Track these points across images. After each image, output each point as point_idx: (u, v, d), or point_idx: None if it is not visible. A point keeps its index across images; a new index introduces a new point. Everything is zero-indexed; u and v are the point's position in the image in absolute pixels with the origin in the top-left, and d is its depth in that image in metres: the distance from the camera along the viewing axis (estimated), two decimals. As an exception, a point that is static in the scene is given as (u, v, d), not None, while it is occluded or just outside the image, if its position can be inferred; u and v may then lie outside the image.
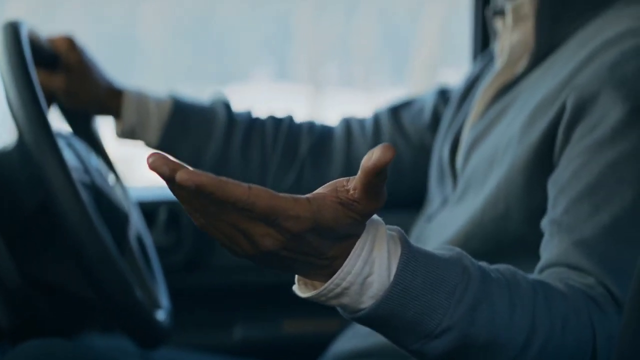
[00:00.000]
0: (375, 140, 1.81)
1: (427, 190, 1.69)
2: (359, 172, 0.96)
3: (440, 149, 1.65)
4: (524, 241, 1.37)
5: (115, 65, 4.78)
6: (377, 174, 0.95)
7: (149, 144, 1.75)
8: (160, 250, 1.73)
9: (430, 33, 4.67)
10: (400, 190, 1.82)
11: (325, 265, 1.01)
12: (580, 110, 1.30)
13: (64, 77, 1.66)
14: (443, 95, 1.82)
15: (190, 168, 0.93)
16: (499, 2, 1.55)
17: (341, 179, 0.99)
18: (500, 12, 1.55)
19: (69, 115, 1.69)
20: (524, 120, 1.37)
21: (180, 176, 0.92)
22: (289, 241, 0.97)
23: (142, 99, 1.74)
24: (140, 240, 1.57)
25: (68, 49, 1.68)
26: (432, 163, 1.69)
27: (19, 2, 4.42)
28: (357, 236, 1.01)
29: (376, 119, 1.84)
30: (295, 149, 1.80)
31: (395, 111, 1.83)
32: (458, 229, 1.44)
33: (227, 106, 1.80)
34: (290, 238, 0.96)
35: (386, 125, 1.82)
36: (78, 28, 4.98)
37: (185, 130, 1.75)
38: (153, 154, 0.94)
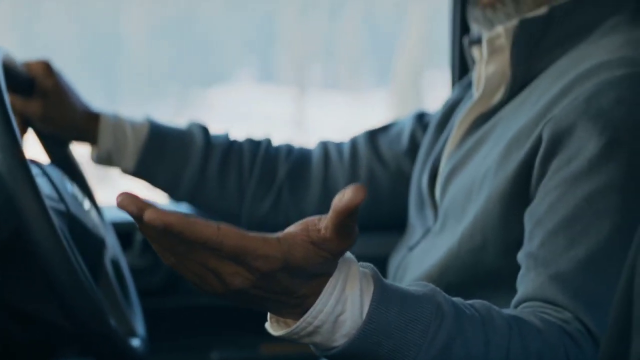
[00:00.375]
0: (353, 165, 1.81)
1: (407, 215, 1.69)
2: (330, 212, 0.95)
3: (419, 178, 1.64)
4: (500, 273, 1.36)
5: (99, 64, 4.76)
6: (349, 214, 0.94)
7: (125, 170, 1.74)
8: (137, 273, 1.72)
9: (414, 35, 4.67)
10: (379, 215, 1.81)
11: (297, 304, 1.00)
12: (557, 143, 1.30)
13: (40, 102, 1.65)
14: (421, 120, 1.81)
15: (159, 207, 0.93)
16: (476, 31, 1.54)
17: (312, 217, 0.99)
18: (477, 41, 1.54)
19: (45, 141, 1.67)
20: (501, 152, 1.37)
21: (148, 216, 0.91)
22: (258, 280, 0.96)
23: (118, 124, 1.72)
24: (116, 265, 1.56)
25: (44, 73, 1.66)
26: (411, 191, 1.68)
27: (2, 2, 4.41)
28: (329, 274, 1.00)
29: (353, 144, 1.84)
30: (273, 173, 1.79)
31: (373, 136, 1.83)
32: (436, 260, 1.44)
33: (204, 130, 1.79)
34: (260, 277, 0.96)
35: (363, 150, 1.81)
36: (61, 27, 4.97)
37: (162, 155, 1.74)
38: (122, 192, 0.93)
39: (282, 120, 4.86)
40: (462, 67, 2.06)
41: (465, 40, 1.58)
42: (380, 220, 1.81)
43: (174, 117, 4.88)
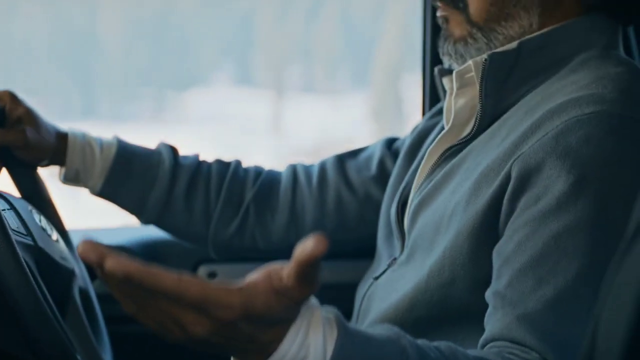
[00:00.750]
0: (321, 191, 1.80)
1: (376, 243, 1.68)
2: (292, 262, 0.95)
3: (388, 207, 1.64)
4: (470, 309, 1.36)
5: (75, 66, 4.74)
6: (311, 264, 0.94)
7: (92, 190, 1.73)
8: (106, 299, 1.71)
9: (392, 37, 4.67)
10: (348, 242, 1.81)
11: (260, 350, 1.00)
12: (525, 180, 1.29)
13: (18, 130, 1.64)
14: (390, 147, 1.81)
15: (120, 256, 0.92)
16: (446, 62, 1.53)
17: (275, 265, 0.98)
18: (449, 72, 1.54)
19: (15, 174, 1.65)
20: (470, 187, 1.36)
21: (109, 265, 0.91)
22: (220, 329, 0.96)
23: (86, 143, 1.72)
24: (84, 294, 1.55)
25: (12, 101, 1.65)
26: (380, 219, 1.68)
27: (-23, 2, 4.38)
28: (292, 321, 1.00)
29: (322, 168, 1.83)
30: (240, 196, 1.79)
31: (341, 162, 1.82)
32: (404, 293, 1.43)
33: (173, 151, 1.78)
34: (222, 326, 0.96)
35: (332, 175, 1.81)
36: (37, 27, 4.93)
37: (128, 176, 1.73)
38: (83, 240, 0.93)
39: (259, 123, 4.85)
40: (433, 95, 2.05)
41: (436, 71, 1.58)
42: (349, 247, 1.81)
43: (150, 119, 4.86)
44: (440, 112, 1.68)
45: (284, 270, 0.96)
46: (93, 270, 1.69)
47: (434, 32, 2.03)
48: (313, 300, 1.02)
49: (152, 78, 4.62)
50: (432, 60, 2.05)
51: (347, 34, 4.82)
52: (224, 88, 4.85)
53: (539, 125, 1.33)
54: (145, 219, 1.76)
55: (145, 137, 4.91)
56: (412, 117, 5.23)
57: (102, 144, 1.73)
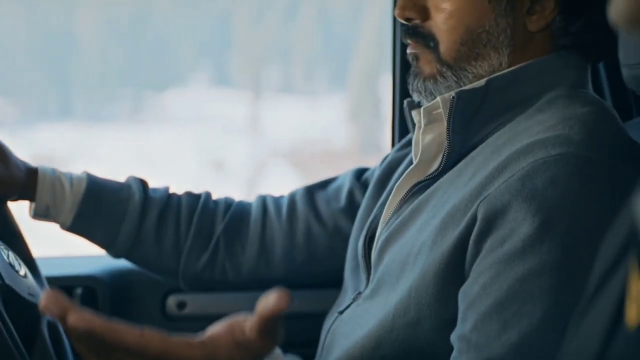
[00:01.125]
0: (290, 223, 1.80)
1: (344, 274, 1.69)
2: (255, 316, 0.96)
3: (356, 240, 1.64)
4: (435, 349, 1.36)
5: (53, 66, 4.72)
6: (273, 319, 0.95)
7: (62, 226, 1.73)
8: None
9: (369, 39, 4.67)
10: (317, 273, 1.81)
11: None
12: (491, 223, 1.29)
13: None
14: (359, 178, 1.81)
15: (82, 311, 0.93)
16: (416, 98, 1.53)
17: (238, 318, 0.99)
18: (418, 105, 1.54)
19: None
20: (437, 227, 1.36)
21: (71, 320, 0.92)
22: None
23: (56, 178, 1.71)
24: (53, 328, 1.54)
25: None
26: (348, 252, 1.68)
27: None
28: None
29: (292, 200, 1.83)
30: (210, 229, 1.79)
31: (311, 193, 1.82)
32: (369, 330, 1.44)
33: (143, 184, 1.78)
34: None
35: (301, 207, 1.81)
36: (14, 26, 4.89)
37: (99, 211, 1.72)
38: (46, 294, 0.93)
39: (237, 123, 4.85)
40: (402, 126, 2.06)
41: (405, 104, 1.58)
42: (319, 278, 1.81)
43: (129, 120, 4.86)
44: (409, 143, 1.68)
45: (247, 323, 0.97)
46: (65, 293, 1.70)
47: (403, 67, 2.03)
48: (277, 351, 1.03)
49: (130, 79, 4.62)
50: (402, 92, 2.06)
51: (325, 36, 4.82)
52: (202, 89, 4.85)
53: (505, 166, 1.33)
54: (115, 253, 1.77)
55: (124, 138, 4.88)
56: (389, 117, 5.23)
57: (72, 179, 1.72)
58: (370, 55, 4.76)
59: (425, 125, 1.47)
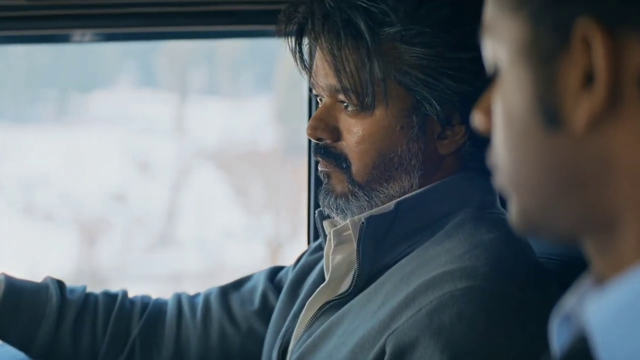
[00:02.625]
0: (205, 325, 1.80)
1: None
2: None
3: (270, 348, 1.65)
4: None
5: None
6: None
7: None
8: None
9: (295, 41, 4.70)
10: None
11: None
12: (400, 358, 1.32)
13: None
14: (273, 279, 1.80)
15: None
16: (326, 212, 1.55)
17: None
18: (329, 217, 1.56)
19: None
20: (347, 356, 1.38)
21: None
22: None
23: None
24: None
25: None
26: (263, 357, 1.70)
27: None
28: None
29: (206, 300, 1.82)
30: (126, 331, 1.80)
31: (225, 293, 1.82)
32: None
33: (60, 285, 1.79)
34: None
35: (215, 309, 1.81)
36: None
37: (16, 314, 1.73)
38: None
39: (162, 124, 4.86)
40: (316, 231, 2.08)
41: (317, 214, 1.59)
42: None
43: (54, 121, 4.83)
44: (320, 247, 1.70)
45: None
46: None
47: (317, 182, 2.06)
48: None
49: (54, 80, 4.59)
50: (316, 203, 2.09)
51: (251, 37, 4.84)
52: (127, 90, 4.84)
53: (413, 298, 1.34)
54: (33, 355, 1.77)
55: (48, 139, 4.85)
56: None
57: None
58: (295, 58, 4.78)
59: (335, 246, 1.49)
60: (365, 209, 1.47)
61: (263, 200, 4.77)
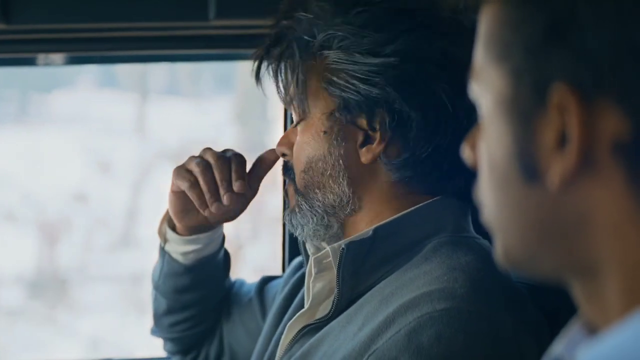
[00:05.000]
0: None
1: None
2: None
3: None
4: None
5: None
6: None
7: None
8: None
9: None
10: None
11: None
12: None
13: None
14: (261, 296, 1.85)
15: None
16: (289, 229, 1.59)
17: None
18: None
19: None
20: None
21: None
22: None
23: None
24: None
25: None
26: None
27: None
28: None
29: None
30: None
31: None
32: None
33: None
34: None
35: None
36: None
37: None
38: None
39: (123, 125, 4.84)
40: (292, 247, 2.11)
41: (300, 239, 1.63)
42: None
43: (14, 121, 4.81)
44: (301, 265, 1.74)
45: None
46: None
47: None
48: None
49: (14, 80, 4.57)
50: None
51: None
52: (87, 90, 4.83)
53: (393, 320, 1.38)
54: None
55: (8, 139, 4.83)
56: (276, 120, 5.28)
57: None
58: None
59: (315, 274, 1.53)
60: (310, 223, 1.51)
61: (224, 201, 4.77)
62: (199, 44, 2.09)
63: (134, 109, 4.86)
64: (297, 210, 1.55)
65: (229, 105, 4.99)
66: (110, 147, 4.79)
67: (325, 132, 1.52)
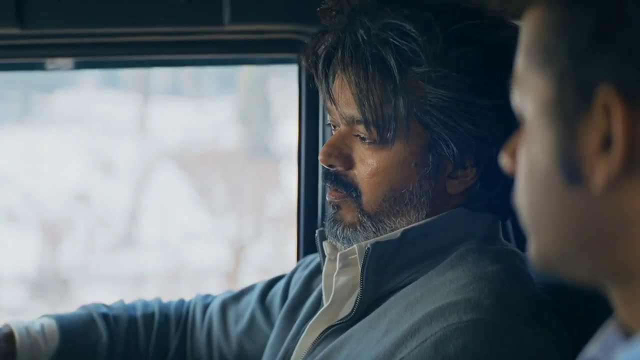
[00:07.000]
0: (208, 340, 1.85)
1: None
2: None
3: None
4: None
5: None
6: None
7: None
8: None
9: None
10: None
11: None
12: None
13: None
14: (264, 299, 1.82)
15: None
16: (330, 239, 1.57)
17: None
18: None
19: None
20: None
21: None
22: None
23: (33, 342, 1.75)
24: None
25: None
26: None
27: None
28: None
29: (210, 313, 1.86)
30: (165, 349, 1.85)
31: (225, 308, 1.84)
32: None
33: (105, 318, 1.83)
34: None
35: (215, 324, 1.82)
36: None
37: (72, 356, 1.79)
38: None
39: (125, 125, 4.85)
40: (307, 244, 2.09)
41: (317, 234, 1.58)
42: None
43: (16, 122, 4.81)
44: (314, 264, 1.73)
45: None
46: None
47: (307, 196, 2.09)
48: None
49: (17, 80, 4.57)
50: (306, 217, 2.11)
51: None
52: (89, 90, 4.84)
53: (418, 329, 1.36)
54: None
55: (11, 139, 4.82)
56: (279, 120, 5.29)
57: (44, 334, 1.76)
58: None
59: (340, 268, 1.52)
60: (370, 238, 1.49)
61: (226, 201, 4.79)
62: (214, 48, 2.08)
63: (136, 109, 4.86)
64: (358, 228, 1.49)
65: (230, 105, 4.99)
66: (112, 147, 4.80)
67: (416, 164, 1.47)
